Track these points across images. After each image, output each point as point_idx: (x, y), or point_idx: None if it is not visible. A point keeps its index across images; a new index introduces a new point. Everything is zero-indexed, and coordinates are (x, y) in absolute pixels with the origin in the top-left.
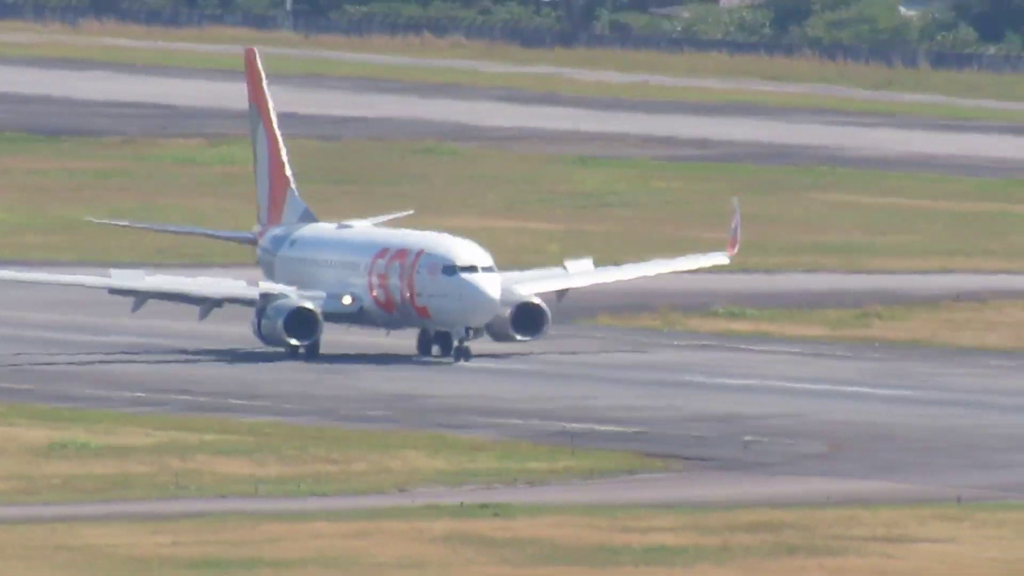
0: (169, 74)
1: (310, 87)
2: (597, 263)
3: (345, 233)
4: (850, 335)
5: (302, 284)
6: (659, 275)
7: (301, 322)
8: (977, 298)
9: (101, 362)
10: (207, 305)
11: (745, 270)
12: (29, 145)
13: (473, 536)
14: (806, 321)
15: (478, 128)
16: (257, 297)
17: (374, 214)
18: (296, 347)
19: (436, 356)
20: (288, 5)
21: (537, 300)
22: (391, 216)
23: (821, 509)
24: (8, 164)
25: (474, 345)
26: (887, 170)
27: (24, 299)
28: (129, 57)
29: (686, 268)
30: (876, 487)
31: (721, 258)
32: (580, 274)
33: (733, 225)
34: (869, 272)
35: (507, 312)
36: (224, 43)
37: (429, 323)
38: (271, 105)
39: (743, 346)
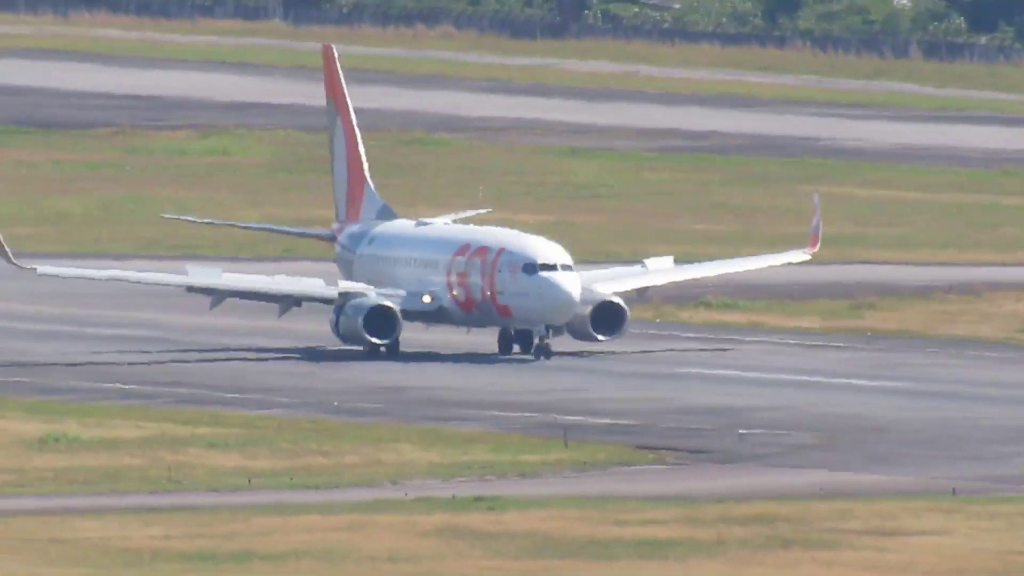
0: (159, 65)
1: (300, 78)
2: (587, 256)
3: (424, 230)
4: (843, 326)
5: (380, 282)
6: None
7: (381, 320)
8: (969, 289)
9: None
10: (286, 303)
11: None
12: (19, 137)
13: (466, 529)
14: (798, 313)
15: (468, 119)
16: (336, 296)
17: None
18: (376, 346)
19: (517, 354)
20: None
21: (617, 299)
22: (470, 213)
23: (815, 502)
24: None
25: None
26: (878, 161)
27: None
28: (119, 49)
29: (767, 265)
30: (870, 479)
31: (802, 255)
32: (659, 272)
33: (814, 221)
34: (861, 263)
35: (587, 311)
36: (215, 34)
37: (510, 321)
38: (349, 101)
39: (736, 337)
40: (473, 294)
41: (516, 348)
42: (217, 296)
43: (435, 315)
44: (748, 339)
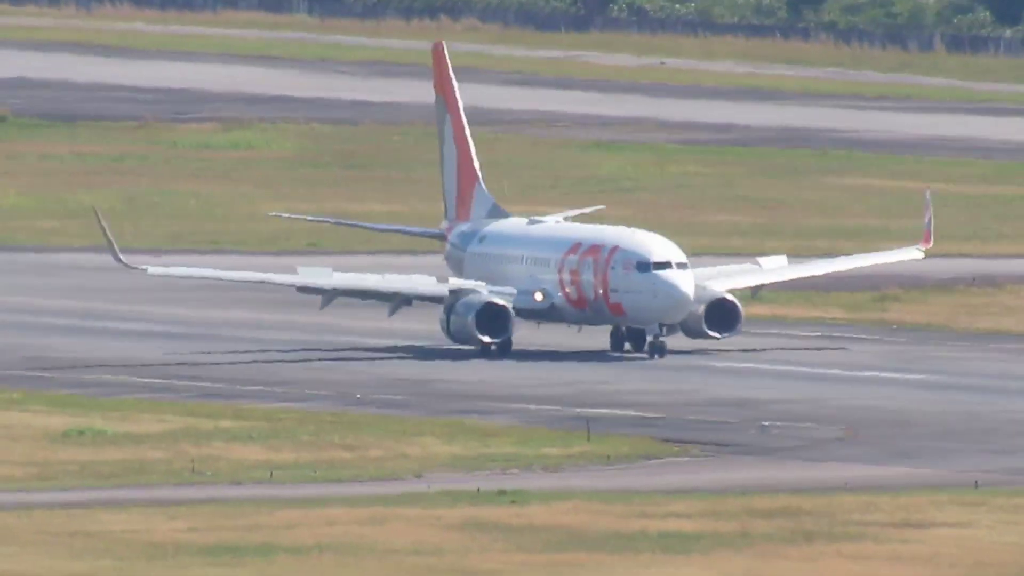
0: (183, 58)
1: (324, 71)
2: None
3: (536, 228)
4: (867, 319)
5: (492, 280)
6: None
7: (492, 318)
8: (993, 282)
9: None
10: (396, 302)
11: (762, 254)
12: (43, 130)
13: (489, 523)
14: (823, 304)
15: (493, 112)
16: (447, 294)
17: (390, 200)
18: (488, 344)
19: (628, 352)
20: None
21: (731, 297)
22: (581, 211)
23: (839, 495)
24: (22, 149)
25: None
26: (902, 154)
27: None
28: (143, 42)
29: (880, 262)
30: (893, 472)
31: (915, 252)
32: (773, 270)
33: (927, 218)
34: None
35: (700, 309)
36: (238, 27)
37: (622, 320)
38: (459, 98)
39: (760, 330)
40: (585, 292)
41: (628, 346)
42: (327, 296)
43: (547, 313)
44: (772, 331)
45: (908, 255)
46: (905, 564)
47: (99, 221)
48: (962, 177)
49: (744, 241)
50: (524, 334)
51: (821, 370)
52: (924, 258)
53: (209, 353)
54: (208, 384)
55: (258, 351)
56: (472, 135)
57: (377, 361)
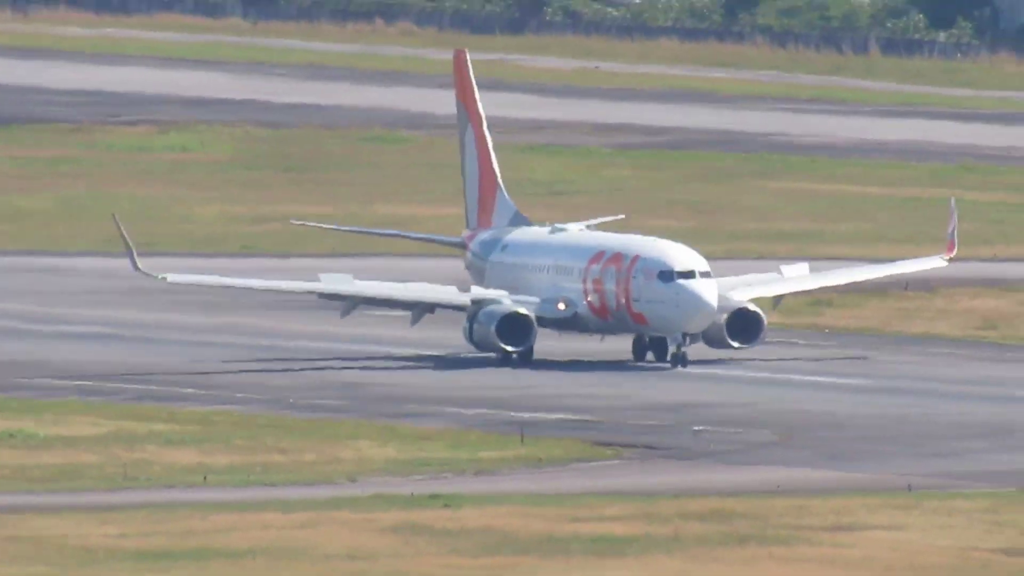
0: (119, 62)
1: (259, 74)
2: None
3: (558, 237)
4: (802, 323)
5: (514, 289)
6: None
7: (514, 327)
8: (927, 286)
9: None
10: (419, 311)
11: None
12: None
13: (423, 526)
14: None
15: (428, 116)
16: (469, 303)
17: (325, 203)
18: (510, 353)
19: (651, 362)
20: None
21: (753, 306)
22: (603, 219)
23: (772, 498)
24: None
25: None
26: (837, 157)
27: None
28: (78, 45)
29: (903, 271)
30: (827, 476)
31: (938, 261)
32: (796, 279)
33: (951, 228)
34: (820, 259)
35: (723, 318)
36: (174, 30)
37: (645, 329)
38: (480, 106)
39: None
40: (608, 301)
41: (650, 356)
42: (349, 303)
43: (569, 322)
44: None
45: (931, 264)
46: (838, 568)
47: (118, 228)
48: (896, 180)
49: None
50: (546, 343)
51: (755, 374)
52: (947, 266)
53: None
54: (142, 387)
55: (196, 354)
56: (409, 138)
57: (313, 366)
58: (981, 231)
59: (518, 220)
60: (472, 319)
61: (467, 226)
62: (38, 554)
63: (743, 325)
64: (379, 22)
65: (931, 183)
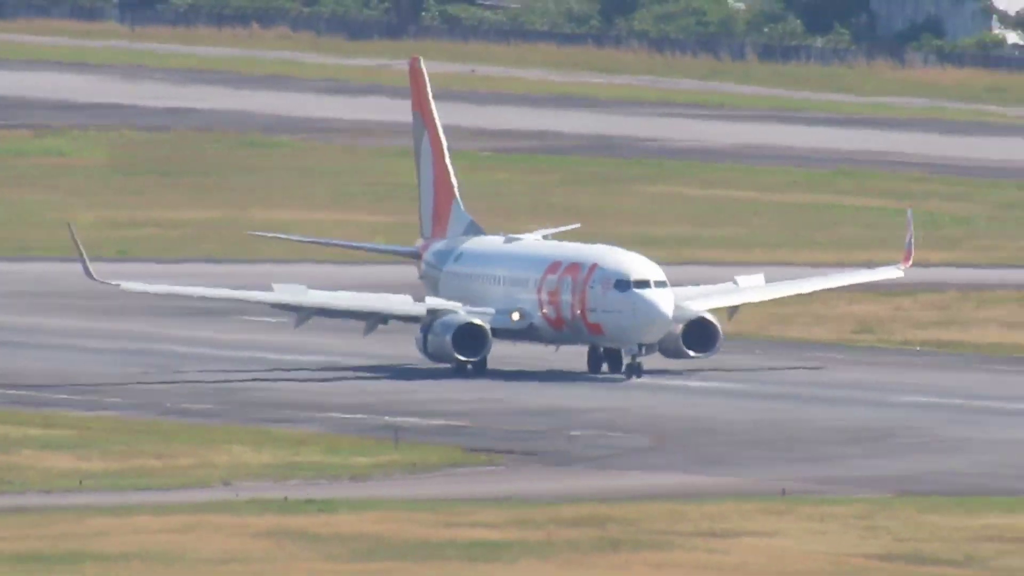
0: None
1: (135, 79)
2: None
3: (513, 247)
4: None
5: (469, 300)
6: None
7: (470, 338)
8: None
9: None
10: (372, 321)
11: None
12: None
13: (297, 531)
14: None
15: (305, 120)
16: (424, 313)
17: (203, 208)
18: (464, 363)
19: (606, 373)
20: None
21: (710, 316)
22: (559, 229)
23: (645, 503)
24: None
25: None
26: (713, 162)
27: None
28: None
29: (860, 281)
30: (700, 481)
31: (895, 271)
32: (752, 289)
33: (908, 237)
34: (696, 264)
35: (679, 328)
36: (50, 34)
37: (601, 340)
38: (436, 115)
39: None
40: (564, 312)
41: (605, 367)
42: (303, 314)
43: (524, 333)
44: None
45: (888, 274)
46: (711, 573)
47: (72, 236)
48: (774, 185)
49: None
50: (501, 353)
51: (629, 379)
52: (903, 276)
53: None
54: (16, 392)
55: (73, 358)
56: (286, 142)
57: (189, 371)
58: (857, 236)
59: (473, 230)
60: (427, 330)
61: (421, 235)
62: None
63: (699, 335)
64: (256, 27)
65: (807, 188)
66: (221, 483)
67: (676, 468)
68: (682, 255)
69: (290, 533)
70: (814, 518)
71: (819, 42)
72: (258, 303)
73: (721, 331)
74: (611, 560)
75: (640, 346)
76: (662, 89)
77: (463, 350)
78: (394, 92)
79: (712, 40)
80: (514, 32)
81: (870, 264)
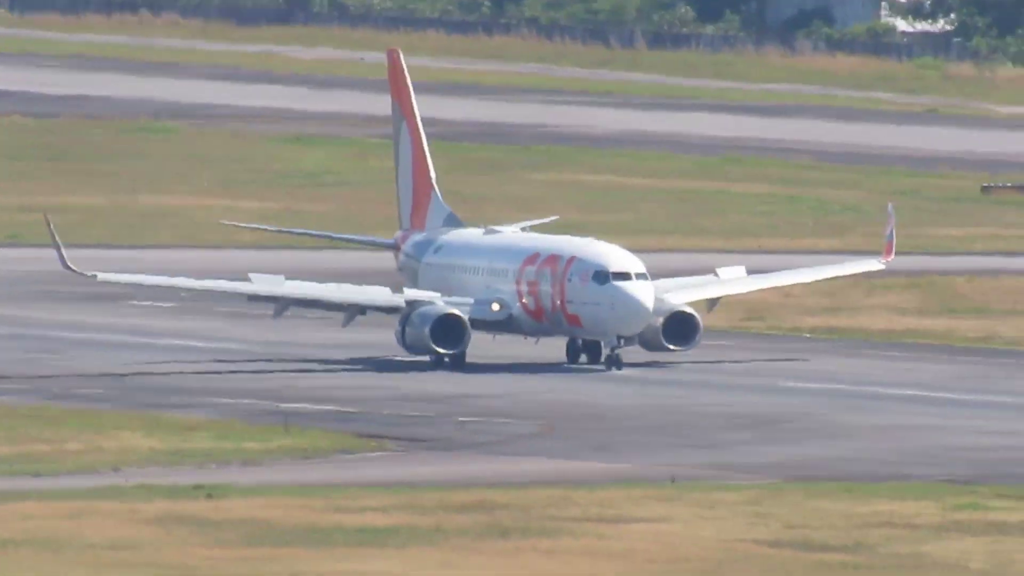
0: None
1: (24, 65)
2: (313, 243)
3: (493, 239)
4: None
5: (448, 291)
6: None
7: (448, 330)
8: None
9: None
10: (351, 312)
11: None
12: None
13: (187, 517)
14: None
15: (194, 106)
16: (403, 304)
17: (91, 193)
18: (442, 355)
19: (584, 364)
20: None
21: (690, 309)
22: (538, 221)
23: (534, 489)
24: None
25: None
26: (605, 148)
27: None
28: None
29: (840, 274)
30: (590, 467)
31: (876, 264)
32: (732, 281)
33: (888, 230)
34: None
35: (659, 321)
36: None
37: (580, 332)
38: (416, 107)
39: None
40: (543, 303)
41: (584, 358)
42: (280, 304)
43: (503, 324)
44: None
45: (868, 266)
46: (601, 559)
47: (48, 227)
48: (664, 172)
49: None
50: (480, 345)
51: (518, 364)
52: (885, 269)
53: None
54: None
55: None
56: (175, 128)
57: (78, 356)
58: (746, 223)
59: (452, 221)
60: (404, 321)
61: (400, 227)
62: None
63: (679, 328)
64: (145, 13)
65: (697, 175)
66: (110, 469)
67: (566, 454)
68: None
69: (180, 519)
70: (703, 504)
71: (709, 30)
72: (236, 294)
73: (701, 324)
74: (500, 546)
75: (619, 338)
76: (552, 76)
77: (441, 342)
78: (283, 79)
79: (602, 27)
80: (403, 19)
81: (760, 251)
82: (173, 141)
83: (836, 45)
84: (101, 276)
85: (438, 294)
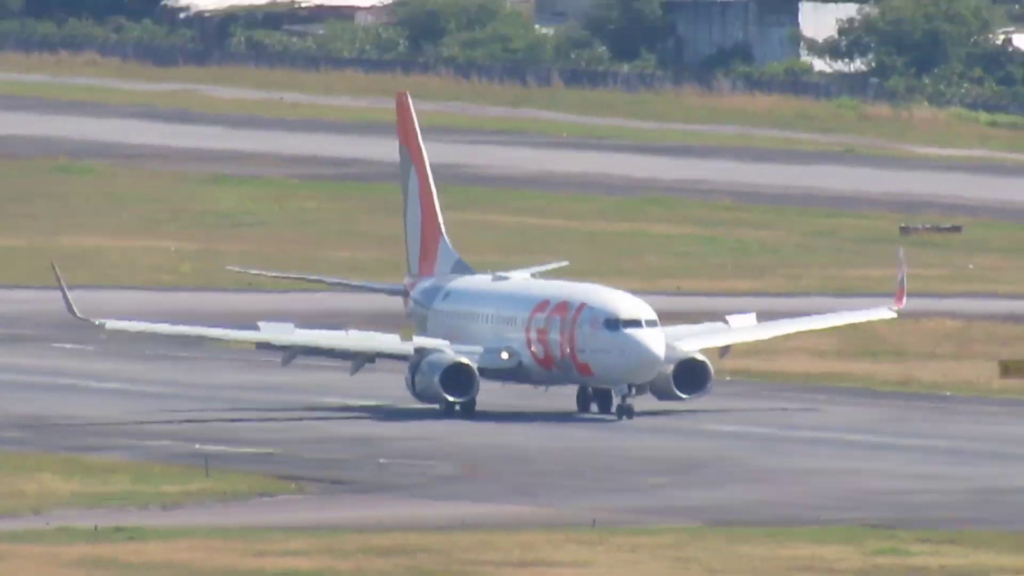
0: None
1: None
2: (233, 283)
3: (502, 285)
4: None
5: (457, 339)
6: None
7: (458, 378)
8: None
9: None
10: (359, 360)
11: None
12: None
13: (107, 560)
14: None
15: (112, 146)
16: (412, 352)
17: (10, 235)
18: (452, 404)
19: (595, 414)
20: None
21: (701, 356)
22: (547, 267)
23: (455, 533)
24: None
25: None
26: (521, 188)
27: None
28: None
29: (851, 321)
30: (511, 510)
31: (887, 312)
32: (743, 329)
33: (900, 277)
34: None
35: (670, 369)
36: None
37: (590, 380)
38: (425, 152)
39: (374, 369)
40: (552, 351)
41: (594, 407)
42: (289, 353)
43: (513, 373)
44: (392, 370)
45: (879, 315)
46: None
47: (56, 275)
48: (581, 212)
49: (365, 275)
50: (490, 394)
51: (438, 407)
52: (896, 317)
53: None
54: None
55: None
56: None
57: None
58: (665, 265)
59: (460, 268)
60: (414, 369)
61: (408, 272)
62: None
63: (690, 375)
64: (63, 53)
65: (616, 216)
66: (31, 512)
67: (487, 497)
68: None
69: (100, 562)
70: (625, 548)
71: (625, 68)
72: (245, 342)
73: (712, 371)
74: None
75: (630, 387)
76: (469, 116)
77: (451, 390)
78: (201, 118)
79: (519, 67)
80: (321, 59)
81: (678, 292)
82: (92, 181)
83: (755, 84)
84: (110, 324)
85: (447, 342)
